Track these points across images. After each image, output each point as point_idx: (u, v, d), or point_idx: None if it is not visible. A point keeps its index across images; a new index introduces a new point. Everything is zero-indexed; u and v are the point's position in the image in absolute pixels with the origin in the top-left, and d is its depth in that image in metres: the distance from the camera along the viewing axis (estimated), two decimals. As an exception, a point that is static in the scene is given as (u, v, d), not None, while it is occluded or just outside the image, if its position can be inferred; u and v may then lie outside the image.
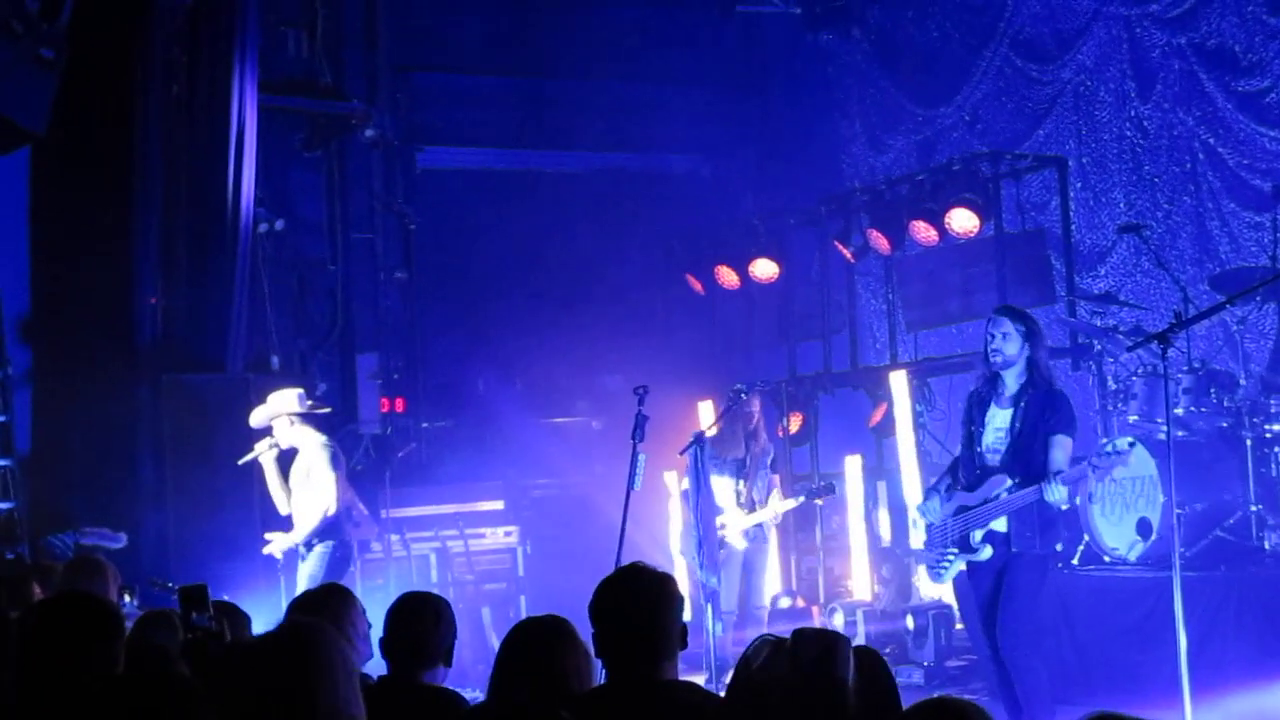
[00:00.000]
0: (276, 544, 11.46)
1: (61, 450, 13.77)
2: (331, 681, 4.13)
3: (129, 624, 6.71)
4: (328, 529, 11.25)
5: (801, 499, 12.36)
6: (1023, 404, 8.96)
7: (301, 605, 6.41)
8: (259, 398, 12.07)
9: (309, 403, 11.74)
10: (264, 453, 11.50)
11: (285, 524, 11.57)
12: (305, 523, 11.32)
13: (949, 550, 9.15)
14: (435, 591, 6.81)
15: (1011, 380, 9.05)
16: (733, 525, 12.06)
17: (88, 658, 5.20)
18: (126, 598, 8.91)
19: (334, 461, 11.35)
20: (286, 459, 11.61)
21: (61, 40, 12.28)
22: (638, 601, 5.09)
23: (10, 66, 11.85)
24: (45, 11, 12.16)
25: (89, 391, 13.68)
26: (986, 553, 8.94)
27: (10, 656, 5.25)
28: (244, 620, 6.86)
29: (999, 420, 9.08)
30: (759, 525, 12.20)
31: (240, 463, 11.70)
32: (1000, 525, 8.94)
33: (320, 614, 6.01)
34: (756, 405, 12.12)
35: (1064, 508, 8.98)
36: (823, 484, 12.54)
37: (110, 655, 5.26)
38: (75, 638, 5.23)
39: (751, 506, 12.17)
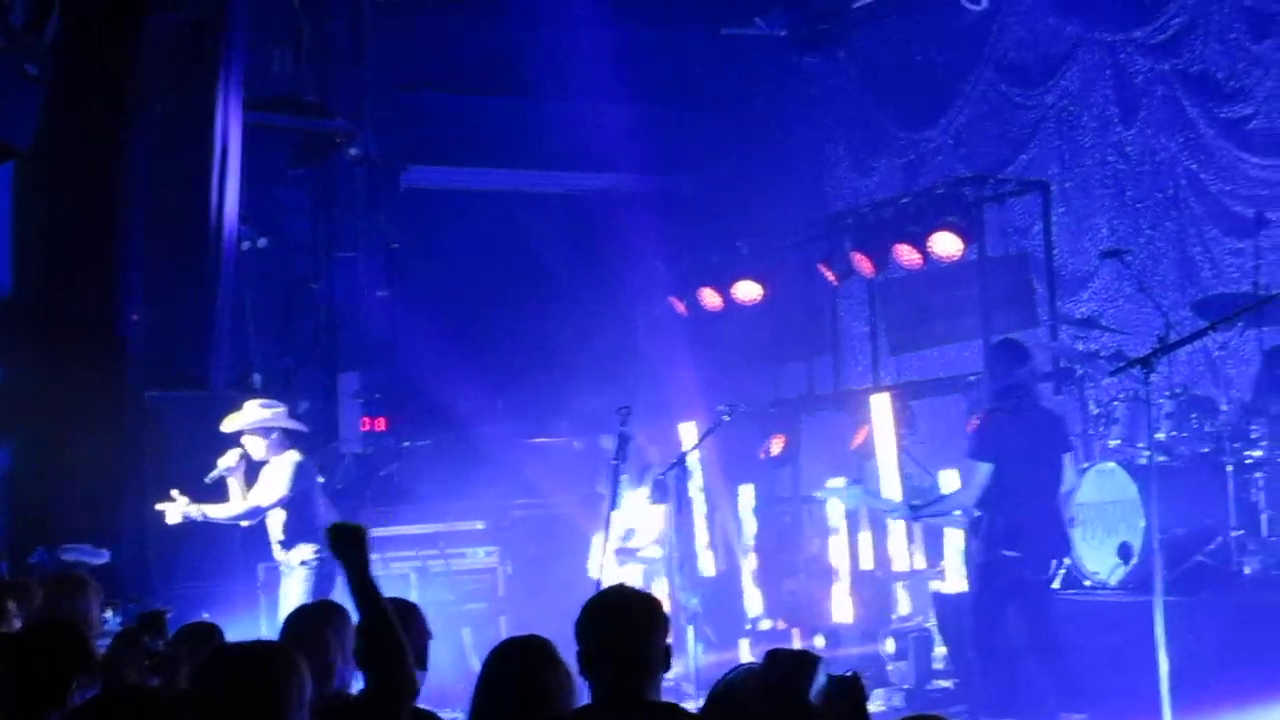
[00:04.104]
0: (172, 509, 11.26)
1: (43, 466, 13.71)
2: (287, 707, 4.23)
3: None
4: (303, 548, 11.13)
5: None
6: None
7: (299, 621, 6.35)
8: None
9: (289, 421, 11.61)
10: (231, 465, 11.36)
11: (263, 539, 11.49)
12: (229, 509, 11.25)
13: None
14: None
15: None
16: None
17: (64, 688, 5.27)
18: (108, 614, 8.89)
19: (293, 480, 11.24)
20: (252, 471, 11.50)
21: (47, 56, 12.25)
22: (624, 622, 5.09)
23: (-5, 82, 11.83)
24: (30, 27, 12.14)
25: (71, 407, 13.61)
26: None
27: None
28: (221, 638, 6.82)
29: None
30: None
31: (208, 480, 11.44)
32: None
33: (320, 631, 5.98)
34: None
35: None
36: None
37: (84, 684, 5.33)
38: (49, 669, 5.30)
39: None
